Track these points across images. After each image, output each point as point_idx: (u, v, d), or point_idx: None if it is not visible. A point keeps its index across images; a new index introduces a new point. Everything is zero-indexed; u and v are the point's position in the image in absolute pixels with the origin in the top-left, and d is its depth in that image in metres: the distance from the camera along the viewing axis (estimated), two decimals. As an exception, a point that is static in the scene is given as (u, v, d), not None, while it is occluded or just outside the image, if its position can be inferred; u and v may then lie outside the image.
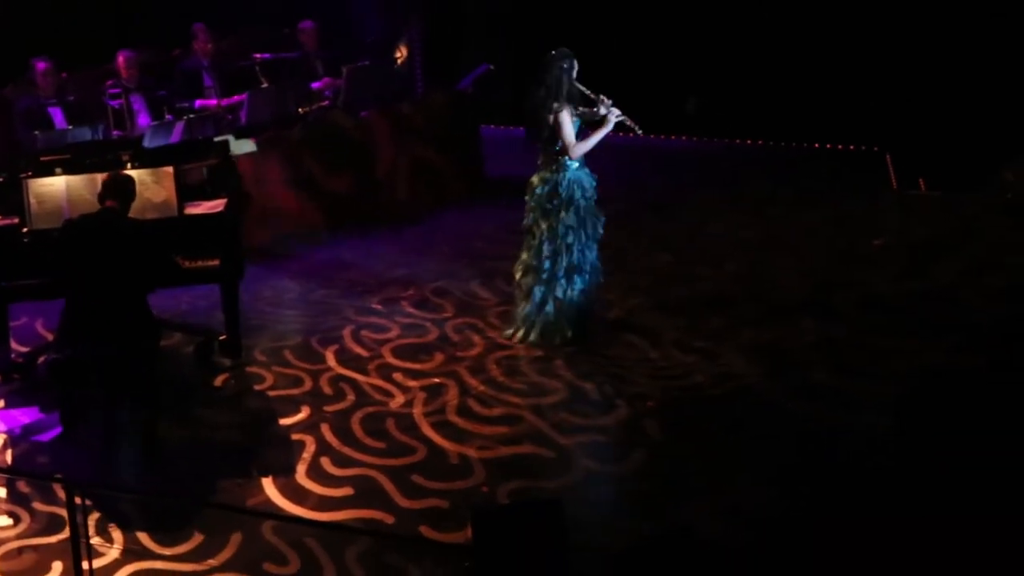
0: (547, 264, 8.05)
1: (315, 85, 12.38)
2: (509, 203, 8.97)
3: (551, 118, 7.84)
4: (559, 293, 8.08)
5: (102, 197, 7.11)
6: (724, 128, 13.92)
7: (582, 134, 7.96)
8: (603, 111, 7.95)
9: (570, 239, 7.99)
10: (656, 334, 8.20)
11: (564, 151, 7.90)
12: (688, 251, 10.04)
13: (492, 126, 14.79)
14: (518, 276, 8.27)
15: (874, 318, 8.21)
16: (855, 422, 6.75)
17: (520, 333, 8.24)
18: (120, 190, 7.13)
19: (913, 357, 7.47)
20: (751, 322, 8.30)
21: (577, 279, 8.07)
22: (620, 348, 8.01)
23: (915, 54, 11.78)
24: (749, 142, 13.87)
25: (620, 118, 7.93)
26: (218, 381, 7.93)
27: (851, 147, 13.12)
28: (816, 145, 13.35)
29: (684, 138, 14.31)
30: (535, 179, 8.07)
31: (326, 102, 12.18)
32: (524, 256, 8.21)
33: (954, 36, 11.50)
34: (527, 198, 8.13)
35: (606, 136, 7.97)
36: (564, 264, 8.03)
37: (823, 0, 12.69)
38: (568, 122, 7.84)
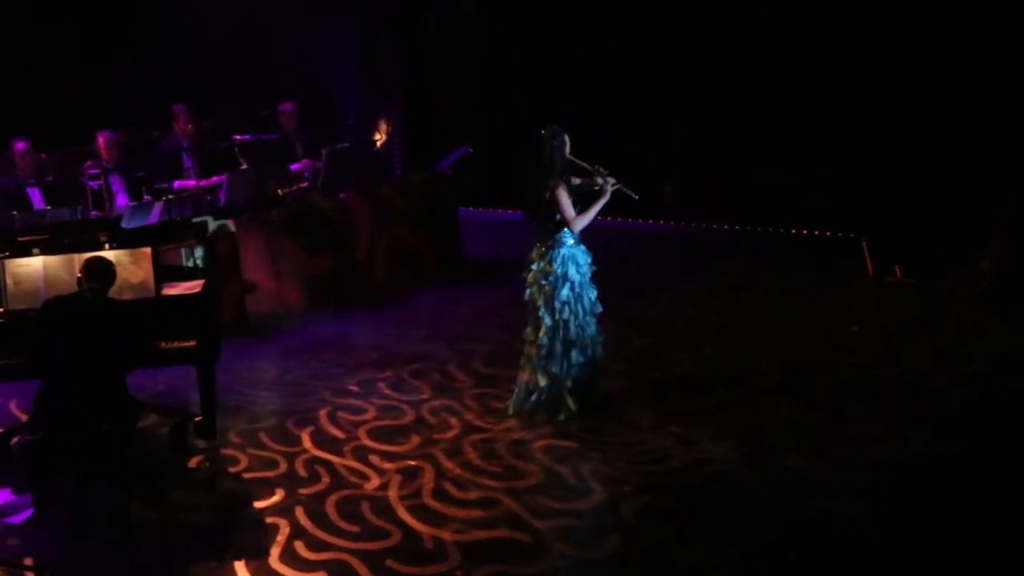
0: (545, 339, 8.15)
1: (294, 167, 12.45)
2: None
3: (548, 195, 7.96)
4: (556, 369, 8.16)
5: (82, 280, 7.13)
6: (701, 212, 14.04)
7: (580, 206, 8.06)
8: (600, 181, 8.08)
9: (566, 315, 8.09)
10: (633, 418, 8.20)
11: (563, 225, 8.02)
12: (665, 335, 10.08)
13: (471, 208, 14.90)
14: (525, 350, 8.36)
15: (850, 404, 8.23)
16: (833, 509, 6.74)
17: (521, 407, 8.33)
18: (100, 273, 7.14)
19: (889, 443, 7.49)
20: (728, 407, 8.31)
21: (575, 354, 8.15)
22: (597, 432, 8.01)
23: (892, 143, 11.92)
24: (727, 227, 13.98)
25: (616, 187, 8.07)
26: (192, 463, 7.89)
27: (827, 233, 13.23)
28: (793, 231, 13.46)
29: (662, 222, 14.43)
30: (533, 255, 8.21)
31: (305, 183, 12.25)
32: (527, 331, 8.30)
33: (930, 126, 11.64)
34: (525, 274, 8.24)
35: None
36: (561, 339, 8.12)
37: (800, 89, 12.85)
38: (566, 197, 7.97)
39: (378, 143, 14.57)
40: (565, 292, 8.08)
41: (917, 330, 9.68)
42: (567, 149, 8.05)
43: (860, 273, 11.56)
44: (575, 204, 8.03)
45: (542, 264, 8.13)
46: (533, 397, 8.28)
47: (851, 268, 11.72)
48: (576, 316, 8.11)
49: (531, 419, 8.25)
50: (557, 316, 8.11)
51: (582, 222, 8.05)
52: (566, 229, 8.06)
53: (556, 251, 8.08)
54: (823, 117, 12.64)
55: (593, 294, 8.21)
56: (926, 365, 8.86)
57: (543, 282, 8.12)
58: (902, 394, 8.33)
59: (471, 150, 13.70)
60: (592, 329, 8.21)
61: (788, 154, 12.97)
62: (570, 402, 8.23)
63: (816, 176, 12.72)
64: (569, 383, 8.21)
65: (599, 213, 8.13)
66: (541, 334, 8.17)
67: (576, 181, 8.16)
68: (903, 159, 11.79)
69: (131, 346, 7.18)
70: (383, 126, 13.82)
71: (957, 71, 11.48)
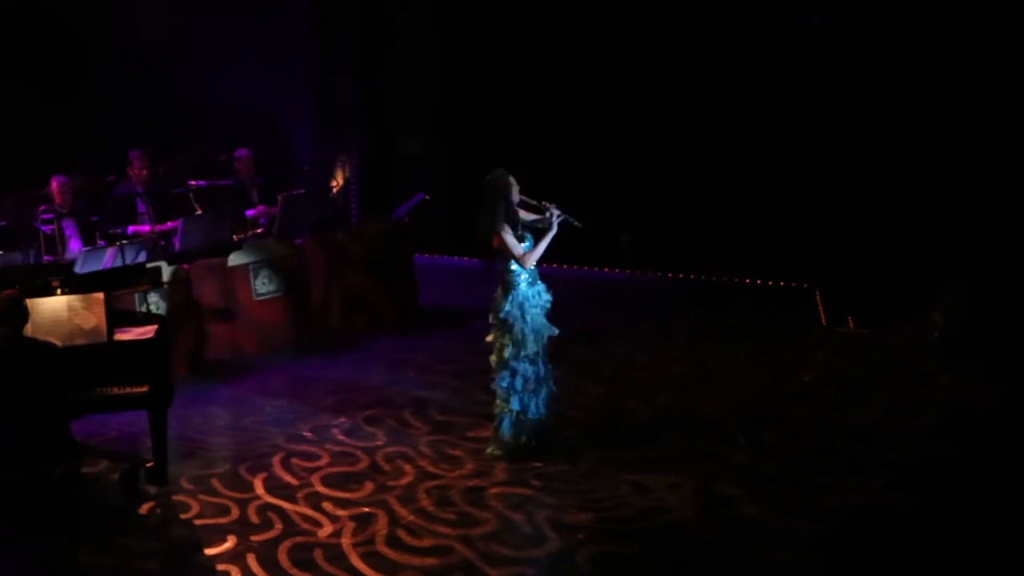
0: (504, 381, 8.28)
1: (250, 212, 12.46)
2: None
3: (495, 240, 8.06)
4: (515, 406, 8.28)
5: None
6: (655, 261, 14.11)
7: (530, 242, 8.20)
8: (550, 216, 8.22)
9: (515, 357, 8.22)
10: (587, 465, 8.21)
11: (512, 269, 8.14)
12: (619, 383, 10.11)
13: (427, 254, 14.92)
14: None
15: (802, 454, 8.27)
16: (784, 559, 6.76)
17: (490, 448, 8.48)
18: (7, 314, 6.99)
19: (840, 494, 7.52)
20: (680, 455, 8.33)
21: (528, 395, 8.27)
22: (551, 479, 8.01)
23: (846, 193, 12.02)
24: (681, 276, 14.05)
25: (561, 218, 8.21)
26: (143, 509, 7.84)
27: (781, 283, 13.31)
28: (747, 280, 13.55)
29: (617, 270, 14.49)
30: (494, 298, 8.32)
31: (260, 229, 12.24)
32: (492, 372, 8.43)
33: (884, 178, 11.76)
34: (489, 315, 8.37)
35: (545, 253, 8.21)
36: (518, 381, 8.25)
37: (754, 140, 12.97)
38: (511, 238, 8.11)
39: (334, 189, 14.59)
40: (517, 334, 8.21)
41: (869, 380, 9.73)
42: (515, 191, 8.16)
43: (813, 323, 11.65)
44: (528, 239, 8.18)
45: (497, 307, 8.26)
46: (498, 435, 8.39)
47: (804, 317, 11.80)
48: (527, 357, 8.23)
49: (494, 458, 8.32)
50: (508, 358, 8.24)
51: (532, 257, 8.18)
52: (517, 270, 8.16)
53: (510, 294, 8.22)
54: (778, 167, 12.74)
55: (543, 337, 8.29)
56: (878, 415, 8.91)
57: (499, 324, 8.25)
58: (854, 444, 8.37)
59: (427, 197, 13.75)
60: (528, 375, 8.29)
61: (744, 204, 13.06)
62: (527, 440, 8.35)
63: (769, 227, 12.81)
64: (528, 422, 8.33)
65: (553, 258, 8.21)
66: (500, 375, 8.32)
67: (529, 217, 8.27)
68: (857, 210, 11.88)
69: (53, 386, 7.00)
70: (339, 172, 13.83)
71: (910, 122, 11.60)
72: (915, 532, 6.96)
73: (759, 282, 13.48)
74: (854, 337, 11.07)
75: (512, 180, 8.16)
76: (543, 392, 8.39)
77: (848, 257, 11.85)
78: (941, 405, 9.01)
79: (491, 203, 8.11)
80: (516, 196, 8.18)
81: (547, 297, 8.33)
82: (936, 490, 7.50)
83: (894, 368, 10.03)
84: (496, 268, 8.25)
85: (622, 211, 13.64)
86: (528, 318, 8.22)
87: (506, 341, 8.23)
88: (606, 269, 14.55)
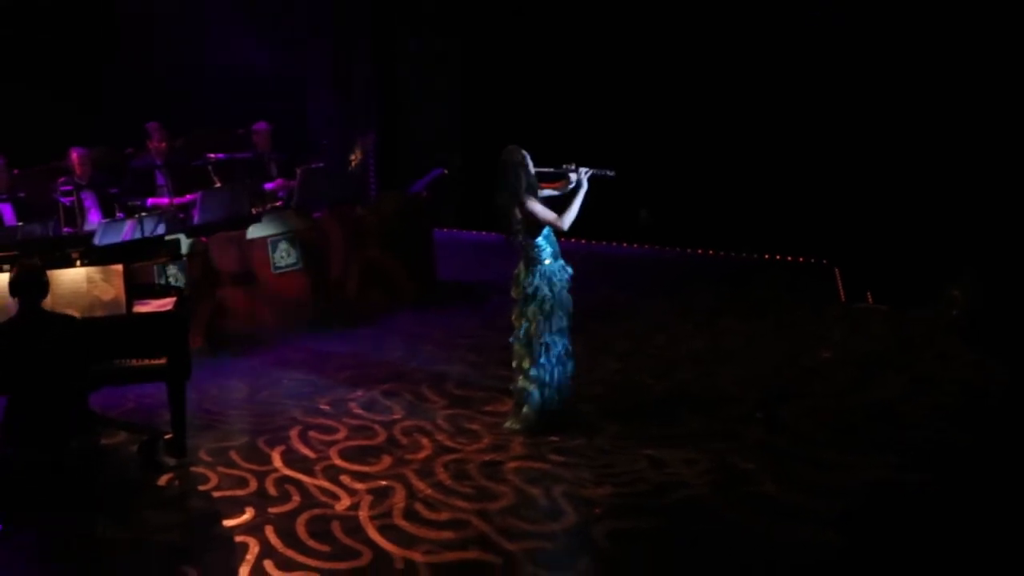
0: (540, 355, 8.27)
1: (268, 186, 12.48)
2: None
3: (518, 212, 8.07)
4: (548, 379, 8.31)
5: (14, 294, 6.96)
6: (674, 237, 14.07)
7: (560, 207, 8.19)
8: (572, 177, 8.20)
9: (548, 330, 8.23)
10: (604, 440, 8.22)
11: (540, 239, 8.13)
12: (635, 360, 10.11)
13: (445, 229, 14.92)
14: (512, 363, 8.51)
15: (820, 431, 8.26)
16: (802, 536, 6.76)
17: (509, 422, 8.50)
18: (23, 286, 6.94)
19: (858, 472, 7.51)
20: (697, 431, 8.33)
21: (560, 369, 8.28)
22: (568, 453, 8.03)
23: (867, 168, 11.95)
24: (700, 252, 14.03)
25: (590, 173, 8.19)
26: (162, 481, 7.89)
27: (800, 259, 13.28)
28: (766, 256, 13.52)
29: (635, 246, 14.47)
30: (515, 273, 8.33)
31: (279, 203, 12.25)
32: (515, 348, 8.43)
33: (906, 151, 11.68)
34: (512, 291, 8.37)
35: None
36: (553, 355, 8.26)
37: (774, 113, 12.91)
38: (538, 206, 8.08)
39: (353, 163, 14.56)
40: (535, 311, 8.20)
41: (888, 358, 9.71)
42: (530, 165, 8.13)
43: (832, 299, 11.62)
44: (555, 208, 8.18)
45: (518, 283, 8.27)
46: (519, 410, 8.44)
47: (823, 294, 11.77)
48: (541, 335, 8.22)
49: (513, 432, 8.36)
50: (526, 334, 8.26)
51: (567, 219, 8.14)
52: (542, 244, 8.14)
53: (531, 269, 8.20)
54: (797, 141, 12.67)
55: (566, 312, 8.29)
56: (897, 393, 8.89)
57: (520, 300, 8.26)
58: (872, 422, 8.36)
59: (446, 172, 13.73)
60: (558, 349, 8.28)
61: (763, 178, 13.00)
62: (541, 416, 8.36)
63: (789, 202, 12.76)
64: (545, 399, 8.34)
65: (570, 232, 8.24)
66: (519, 353, 8.34)
67: (545, 193, 8.27)
68: (877, 185, 11.80)
69: (74, 359, 7.01)
70: (358, 147, 13.82)
71: (934, 94, 11.51)
72: (933, 510, 6.96)
73: (778, 258, 13.44)
74: (873, 314, 11.04)
75: (525, 153, 8.14)
76: (569, 366, 8.41)
77: (868, 232, 11.77)
78: (960, 384, 8.98)
79: (514, 177, 8.08)
80: (532, 169, 8.17)
81: (569, 271, 8.33)
82: (954, 469, 7.49)
83: (913, 346, 10.00)
84: (519, 243, 8.22)
85: (640, 186, 13.60)
86: (556, 291, 8.22)
87: (537, 315, 8.20)
88: (624, 244, 14.53)
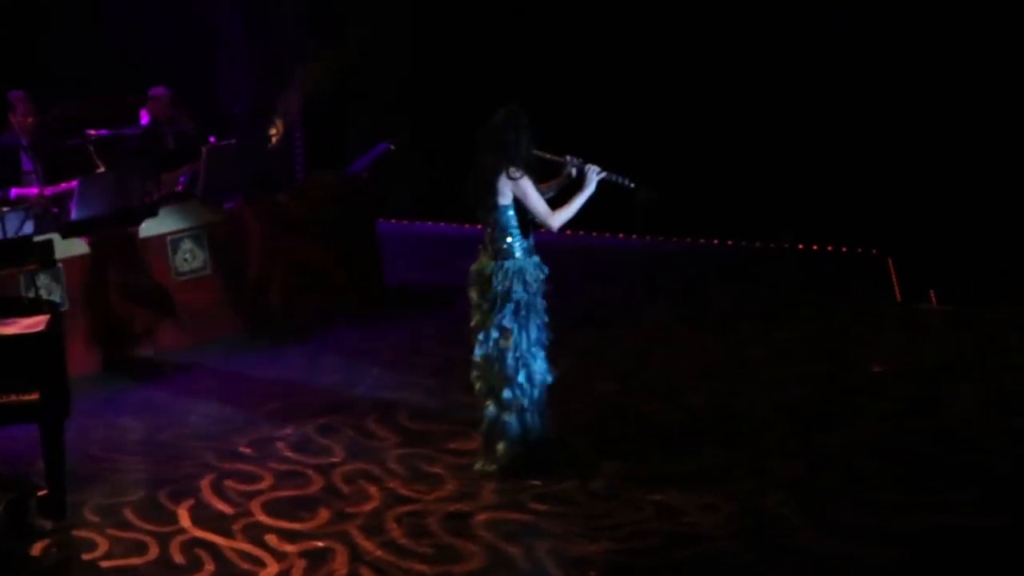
0: (519, 375, 8.27)
1: (168, 169, 12.40)
2: None
3: (504, 185, 8.09)
4: (528, 406, 8.31)
5: None
6: (680, 224, 14.07)
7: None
8: (574, 172, 8.24)
9: (525, 344, 8.21)
10: (598, 483, 8.21)
11: (510, 232, 8.14)
12: (638, 378, 10.12)
13: (393, 220, 14.90)
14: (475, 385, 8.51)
15: (871, 465, 8.27)
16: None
17: (479, 463, 8.50)
18: None
19: (921, 515, 7.52)
20: (717, 469, 8.33)
21: (523, 394, 8.28)
22: (554, 500, 8.01)
23: (925, 135, 11.98)
24: (715, 242, 14.05)
25: (602, 175, 8.20)
26: (35, 550, 7.82)
27: (843, 248, 13.32)
28: (799, 246, 13.54)
29: (633, 237, 14.48)
30: (473, 268, 8.34)
31: (179, 188, 12.20)
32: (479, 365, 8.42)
33: (974, 117, 11.71)
34: (469, 292, 8.37)
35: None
36: (514, 376, 8.24)
37: (804, 69, 12.93)
38: (532, 188, 8.10)
39: (273, 138, 14.56)
40: (507, 316, 8.18)
41: (957, 371, 9.75)
42: (529, 136, 8.16)
43: (885, 299, 11.65)
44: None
45: (481, 280, 8.25)
46: (485, 439, 8.44)
47: (874, 293, 11.81)
48: (516, 347, 8.20)
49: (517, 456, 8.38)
50: (491, 344, 8.24)
51: (561, 217, 8.20)
52: (515, 236, 8.16)
53: (499, 263, 8.18)
54: (838, 101, 12.70)
55: (541, 319, 8.30)
56: (969, 415, 8.92)
57: (482, 301, 8.25)
58: (938, 452, 8.38)
59: (393, 147, 13.71)
60: (538, 363, 8.28)
61: (792, 150, 13.03)
62: (500, 448, 8.34)
63: (828, 178, 12.78)
64: (511, 424, 8.33)
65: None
66: (487, 364, 8.33)
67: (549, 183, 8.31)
68: (942, 159, 11.82)
69: None
70: (279, 115, 13.82)
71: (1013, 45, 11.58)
72: (1011, 562, 6.96)
73: (814, 248, 13.48)
74: (937, 316, 11.07)
75: (527, 122, 8.18)
76: (544, 391, 8.41)
77: (929, 216, 11.80)
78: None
79: (509, 138, 8.12)
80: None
81: (545, 271, 8.32)
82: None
83: (988, 355, 10.03)
84: (487, 224, 8.23)
85: (637, 162, 13.57)
86: (531, 292, 8.21)
87: (511, 323, 8.20)
88: (619, 235, 14.54)
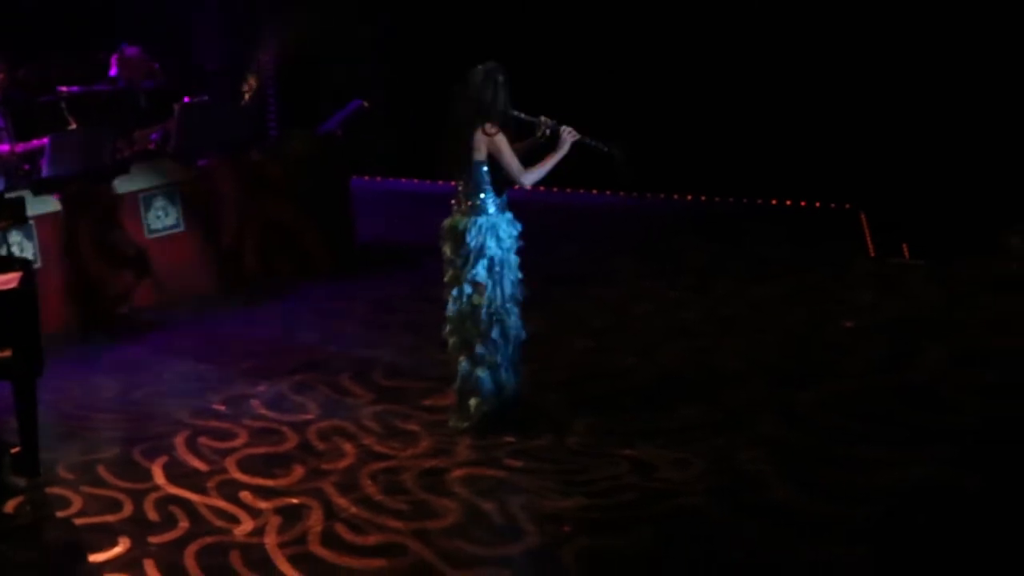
0: (493, 331, 8.29)
1: (140, 127, 12.34)
2: None
3: (479, 140, 8.09)
4: (502, 362, 8.34)
5: None
6: (655, 180, 14.05)
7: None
8: (548, 133, 8.23)
9: (500, 300, 8.23)
10: (574, 439, 8.22)
11: (484, 187, 8.15)
12: (611, 335, 10.12)
13: (366, 177, 14.85)
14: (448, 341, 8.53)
15: (844, 421, 8.28)
16: (823, 552, 6.77)
17: (453, 419, 8.51)
18: None
19: (892, 471, 7.52)
20: (691, 425, 8.34)
21: (497, 350, 8.30)
22: (529, 457, 8.01)
23: (896, 89, 11.96)
24: (690, 198, 14.03)
25: (576, 138, 8.19)
26: (9, 507, 7.81)
27: (816, 204, 13.32)
28: (773, 202, 13.54)
29: (607, 192, 14.45)
30: (445, 224, 8.33)
31: (151, 146, 12.14)
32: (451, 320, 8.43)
33: (945, 70, 11.70)
34: (442, 247, 8.36)
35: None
36: (487, 332, 8.26)
37: (779, 26, 12.90)
38: (507, 145, 8.11)
39: (246, 95, 14.48)
40: (480, 271, 8.17)
41: (930, 326, 9.76)
42: (507, 94, 8.15)
43: (857, 254, 11.67)
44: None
45: (455, 235, 8.23)
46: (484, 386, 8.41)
47: (846, 247, 11.82)
48: (490, 302, 8.21)
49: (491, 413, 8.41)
50: (464, 300, 8.25)
51: (533, 176, 8.21)
52: (488, 192, 8.17)
53: (472, 219, 8.18)
54: (808, 58, 12.68)
55: (515, 275, 8.29)
56: (939, 370, 8.93)
57: (455, 257, 8.25)
58: (908, 407, 8.39)
59: (366, 104, 13.66)
60: (512, 319, 8.30)
61: (765, 106, 13.01)
62: (472, 403, 8.37)
63: (800, 134, 12.77)
64: (484, 382, 8.35)
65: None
66: (457, 320, 8.34)
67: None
68: (912, 111, 11.81)
69: None
70: (252, 72, 13.76)
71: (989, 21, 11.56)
72: (984, 517, 6.98)
73: (787, 203, 13.48)
74: (910, 271, 11.09)
75: (505, 78, 8.16)
76: (519, 347, 8.43)
77: (902, 169, 11.80)
78: (1016, 356, 9.03)
79: (486, 92, 8.11)
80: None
81: (518, 227, 8.31)
82: (1006, 463, 7.52)
83: (961, 309, 10.05)
84: (459, 179, 8.22)
85: (612, 116, 13.57)
86: (504, 248, 8.22)
87: (485, 279, 8.20)
88: (593, 191, 14.51)
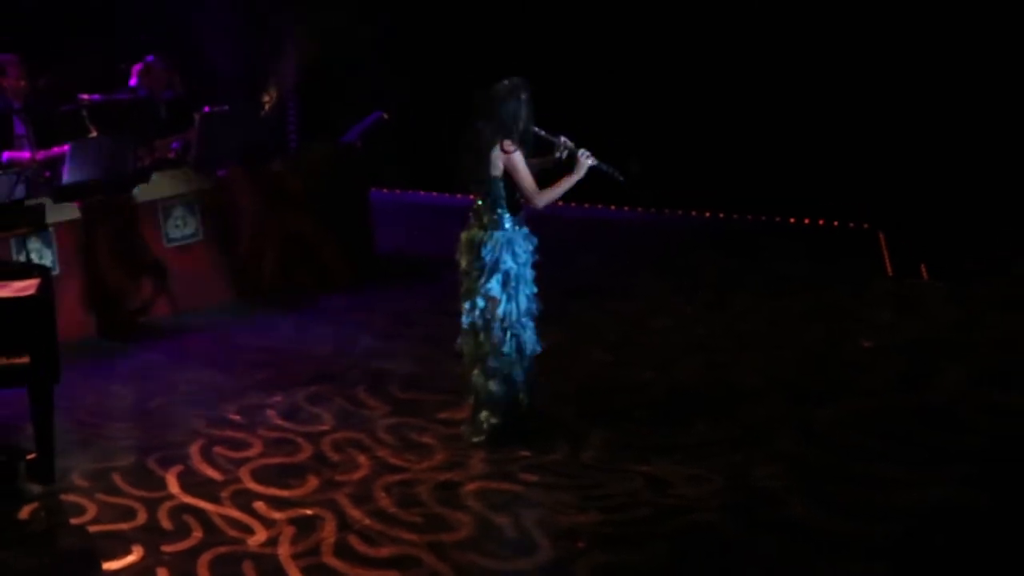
0: (505, 346, 8.29)
1: (161, 136, 12.36)
2: None
3: (496, 158, 8.09)
4: (517, 377, 8.35)
5: None
6: (674, 197, 14.05)
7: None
8: (564, 155, 8.23)
9: (515, 314, 8.22)
10: (589, 453, 8.20)
11: (500, 203, 8.15)
12: (628, 350, 10.10)
13: (385, 190, 14.85)
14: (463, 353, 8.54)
15: (862, 439, 8.25)
16: (841, 570, 6.74)
17: (467, 432, 8.51)
18: None
19: (911, 490, 7.50)
20: (708, 442, 8.32)
21: (510, 363, 8.30)
22: (544, 471, 7.99)
23: (917, 110, 11.94)
24: (708, 214, 14.02)
25: (594, 164, 8.21)
26: (23, 513, 7.80)
27: (834, 223, 13.30)
28: (791, 220, 13.52)
29: (625, 208, 14.44)
30: (462, 237, 8.35)
31: (171, 155, 12.16)
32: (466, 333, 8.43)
33: (966, 92, 11.68)
34: (458, 259, 8.37)
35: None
36: (500, 345, 8.26)
37: (798, 42, 12.88)
38: (523, 164, 8.11)
39: (267, 106, 14.49)
40: (495, 286, 8.16)
41: (948, 346, 9.74)
42: (530, 110, 8.16)
43: (876, 274, 11.64)
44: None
45: (470, 248, 8.25)
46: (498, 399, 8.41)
47: (864, 266, 11.80)
48: (505, 317, 8.22)
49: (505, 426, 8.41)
50: (479, 314, 8.25)
51: (547, 197, 8.19)
52: (504, 208, 8.19)
53: (489, 233, 8.18)
54: (828, 77, 12.66)
55: (530, 290, 8.29)
56: (960, 391, 8.90)
57: (471, 271, 8.26)
58: (929, 427, 8.36)
59: (386, 116, 13.67)
60: (528, 333, 8.29)
61: (785, 124, 12.99)
62: (491, 416, 8.37)
63: (820, 152, 12.75)
64: (498, 396, 8.36)
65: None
66: (473, 334, 8.34)
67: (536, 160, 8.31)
68: (933, 130, 11.80)
69: None
70: (273, 83, 13.77)
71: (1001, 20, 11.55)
72: (1002, 536, 6.95)
73: (806, 221, 13.45)
74: (928, 291, 11.06)
75: (529, 97, 8.15)
76: (533, 361, 8.43)
77: (921, 189, 11.78)
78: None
79: (509, 113, 8.11)
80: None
81: (534, 241, 8.31)
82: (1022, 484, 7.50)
83: (979, 330, 10.02)
84: (477, 194, 8.22)
85: (631, 133, 13.57)
86: (520, 263, 8.22)
87: (499, 292, 8.20)
88: (611, 207, 14.50)
